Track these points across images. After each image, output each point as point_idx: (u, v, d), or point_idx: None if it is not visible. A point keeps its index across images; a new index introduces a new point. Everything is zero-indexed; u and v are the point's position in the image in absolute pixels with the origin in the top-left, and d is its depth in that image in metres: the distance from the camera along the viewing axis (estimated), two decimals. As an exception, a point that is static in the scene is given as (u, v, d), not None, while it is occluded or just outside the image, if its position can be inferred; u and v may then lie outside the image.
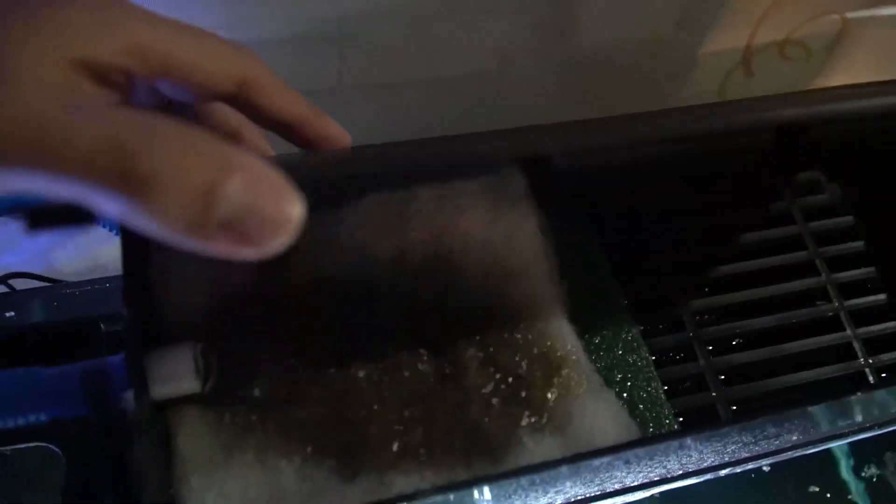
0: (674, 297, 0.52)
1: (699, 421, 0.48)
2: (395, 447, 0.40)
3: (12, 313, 0.57)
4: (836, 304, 0.52)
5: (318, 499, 0.38)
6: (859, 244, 0.54)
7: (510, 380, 0.42)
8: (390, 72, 0.66)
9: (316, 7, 0.59)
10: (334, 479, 0.39)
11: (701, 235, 0.54)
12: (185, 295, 0.43)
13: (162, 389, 0.38)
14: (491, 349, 0.43)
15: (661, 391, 0.47)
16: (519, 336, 0.43)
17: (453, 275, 0.44)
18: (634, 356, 0.48)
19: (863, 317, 0.52)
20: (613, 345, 0.48)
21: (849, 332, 0.52)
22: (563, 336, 0.44)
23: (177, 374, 0.39)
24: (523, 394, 0.42)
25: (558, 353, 0.43)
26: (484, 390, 0.42)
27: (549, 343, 0.43)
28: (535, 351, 0.43)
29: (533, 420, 0.41)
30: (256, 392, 0.41)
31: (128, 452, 0.35)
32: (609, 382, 0.46)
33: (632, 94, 0.75)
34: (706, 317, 0.52)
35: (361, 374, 0.42)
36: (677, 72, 0.75)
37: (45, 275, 0.68)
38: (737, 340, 0.51)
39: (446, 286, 0.44)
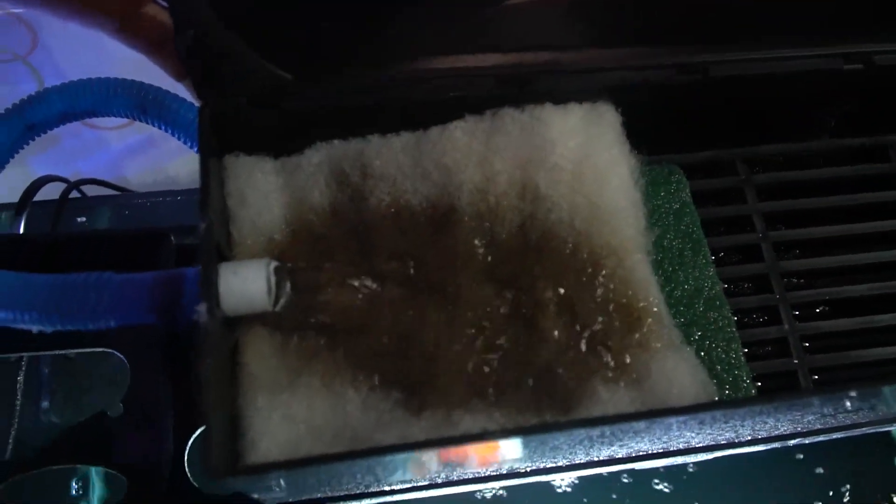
0: (762, 255, 0.49)
1: (778, 387, 0.46)
2: (464, 385, 0.39)
3: (83, 219, 0.58)
4: (937, 277, 0.49)
5: (384, 429, 0.37)
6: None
7: (588, 327, 0.40)
8: None
9: None
10: (400, 412, 0.38)
11: (796, 189, 0.50)
12: (264, 211, 0.42)
13: (233, 304, 0.38)
14: (571, 293, 0.41)
15: (740, 353, 0.45)
16: (601, 282, 0.41)
17: (537, 209, 0.42)
18: (716, 314, 0.46)
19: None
20: (695, 300, 0.46)
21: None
22: (647, 287, 0.41)
23: (249, 291, 0.38)
24: (601, 342, 0.40)
25: (640, 304, 0.41)
26: (560, 335, 0.40)
27: (630, 292, 0.41)
28: (617, 299, 0.41)
29: (609, 371, 0.39)
30: (327, 317, 0.40)
31: (196, 365, 0.35)
32: (688, 339, 0.44)
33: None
34: (795, 280, 0.49)
35: (435, 307, 0.41)
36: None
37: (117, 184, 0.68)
38: (824, 308, 0.48)
39: (529, 221, 0.42)
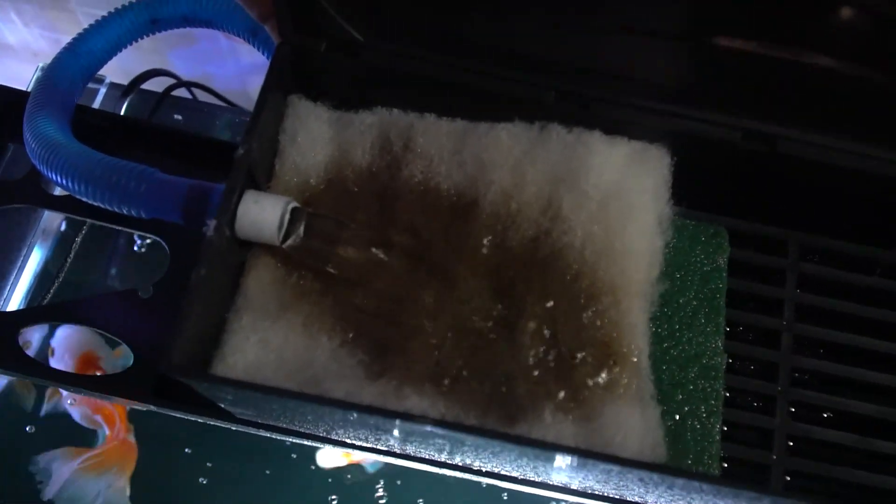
0: (780, 343, 0.47)
1: (746, 476, 0.45)
2: (425, 367, 0.41)
3: (180, 117, 0.63)
4: (961, 426, 0.46)
5: (337, 382, 0.40)
6: None
7: (562, 353, 0.41)
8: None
9: None
10: (359, 372, 0.40)
11: (841, 291, 0.48)
12: (308, 155, 0.45)
13: (246, 229, 0.41)
14: (558, 316, 0.42)
15: (717, 429, 0.44)
16: (591, 315, 0.42)
17: (553, 228, 0.43)
18: (707, 384, 0.45)
19: None
20: (691, 364, 0.45)
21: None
22: (635, 334, 0.42)
23: (262, 221, 0.41)
24: (568, 372, 0.41)
25: (621, 349, 0.41)
26: (533, 352, 0.41)
27: (615, 334, 0.41)
28: (599, 337, 0.41)
29: (564, 401, 0.40)
30: (330, 266, 0.43)
31: (193, 272, 0.38)
32: (666, 398, 0.44)
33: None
34: (804, 378, 0.47)
35: (429, 288, 0.43)
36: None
37: (231, 98, 0.73)
38: (823, 415, 0.46)
39: (543, 236, 0.43)
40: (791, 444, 0.46)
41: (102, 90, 0.64)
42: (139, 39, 0.56)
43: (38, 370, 0.49)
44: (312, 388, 0.39)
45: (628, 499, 0.48)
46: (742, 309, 0.48)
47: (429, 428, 0.35)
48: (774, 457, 0.45)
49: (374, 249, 0.43)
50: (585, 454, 0.36)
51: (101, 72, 0.56)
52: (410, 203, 0.44)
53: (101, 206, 0.44)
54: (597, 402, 0.40)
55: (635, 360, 0.41)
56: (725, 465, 0.45)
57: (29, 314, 0.51)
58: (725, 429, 0.45)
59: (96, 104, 0.62)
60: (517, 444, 0.36)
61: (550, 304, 0.42)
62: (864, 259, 0.49)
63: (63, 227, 0.64)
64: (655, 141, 0.44)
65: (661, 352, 0.45)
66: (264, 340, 0.41)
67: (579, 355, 0.41)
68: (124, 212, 0.43)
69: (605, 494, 0.47)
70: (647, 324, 0.43)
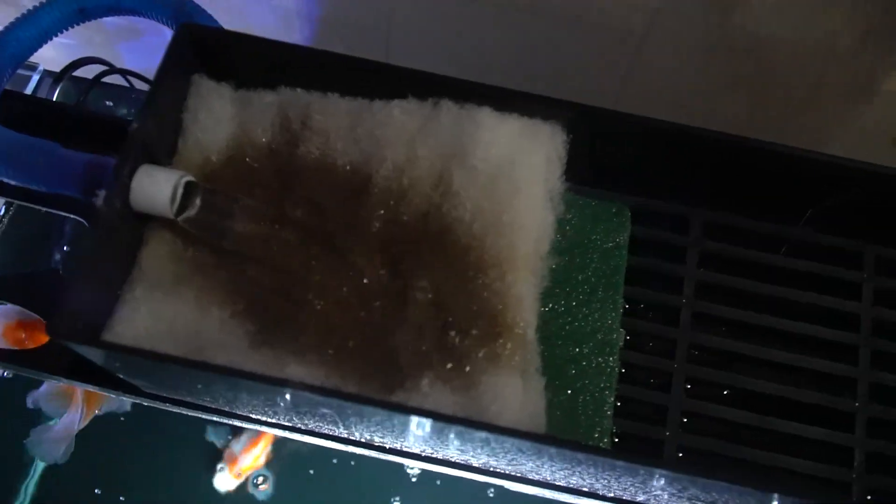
0: (678, 320, 0.48)
1: (638, 451, 0.45)
2: (311, 337, 0.41)
3: (111, 103, 0.64)
4: (857, 404, 0.46)
5: (222, 351, 0.40)
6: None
7: (449, 325, 0.42)
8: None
9: None
10: (245, 342, 0.41)
11: (743, 268, 0.49)
12: (210, 132, 0.46)
13: (140, 202, 0.42)
14: (446, 289, 0.42)
15: (610, 404, 0.45)
16: (478, 288, 0.42)
17: (444, 203, 0.44)
18: (601, 360, 0.46)
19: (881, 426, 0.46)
20: (587, 340, 0.46)
21: (857, 435, 0.46)
22: (521, 307, 0.42)
23: (155, 194, 0.42)
24: (452, 343, 0.41)
25: (507, 321, 0.42)
26: (420, 324, 0.42)
27: (501, 307, 0.42)
28: (486, 309, 0.42)
29: (445, 371, 0.40)
30: (225, 241, 0.43)
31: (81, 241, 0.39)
32: (560, 373, 0.45)
33: (786, 101, 0.68)
34: (702, 355, 0.48)
35: (321, 261, 0.43)
36: (849, 95, 0.66)
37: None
38: (720, 391, 0.47)
39: (434, 211, 0.44)
40: (685, 420, 0.46)
41: (35, 77, 0.65)
42: (69, 28, 0.57)
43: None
44: (197, 356, 0.40)
45: (531, 477, 0.48)
46: (643, 286, 0.48)
47: (303, 393, 0.36)
48: (668, 433, 0.45)
49: (268, 224, 0.44)
50: (438, 417, 0.36)
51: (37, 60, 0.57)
52: (307, 179, 0.45)
53: (9, 180, 0.45)
54: (478, 372, 0.40)
55: (520, 332, 0.42)
56: (618, 441, 0.45)
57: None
58: (619, 404, 0.46)
59: (28, 90, 0.63)
60: (382, 408, 0.37)
61: (438, 277, 0.42)
62: (771, 236, 0.49)
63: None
64: (549, 118, 0.45)
65: (557, 327, 0.46)
66: (156, 311, 0.42)
67: (465, 327, 0.41)
68: (33, 187, 0.44)
69: (512, 473, 0.48)
70: (536, 297, 0.43)
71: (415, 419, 0.36)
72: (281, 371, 0.40)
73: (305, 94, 0.46)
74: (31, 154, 0.43)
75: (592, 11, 0.64)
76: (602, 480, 0.43)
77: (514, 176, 0.44)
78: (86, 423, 0.68)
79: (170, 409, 0.50)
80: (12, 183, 0.46)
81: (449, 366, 0.41)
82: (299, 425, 0.48)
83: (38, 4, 0.55)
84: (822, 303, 0.48)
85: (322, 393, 0.37)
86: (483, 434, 0.37)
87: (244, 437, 0.79)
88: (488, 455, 0.44)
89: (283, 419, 0.47)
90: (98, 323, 0.41)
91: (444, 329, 0.42)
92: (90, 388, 0.50)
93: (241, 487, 0.78)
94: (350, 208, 0.44)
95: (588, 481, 0.44)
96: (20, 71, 0.68)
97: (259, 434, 0.79)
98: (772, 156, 0.46)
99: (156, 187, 0.42)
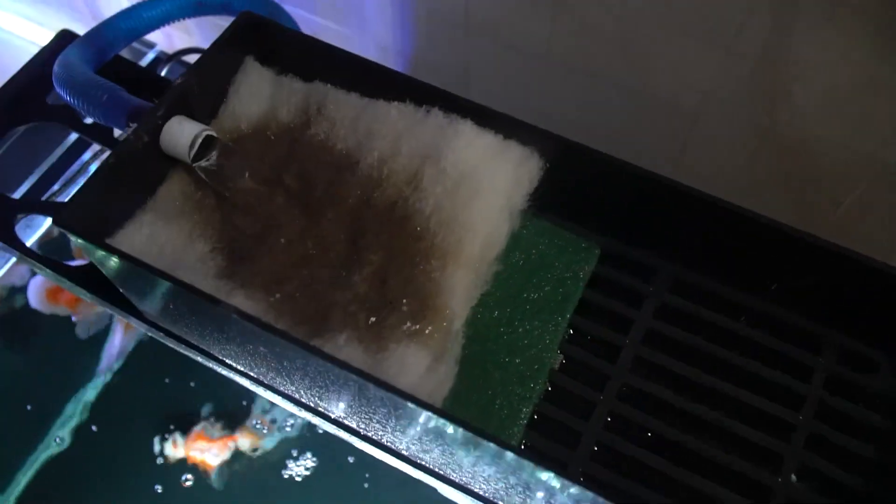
0: (617, 358, 0.49)
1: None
2: (266, 280, 0.47)
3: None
4: (780, 480, 0.45)
5: (192, 275, 0.47)
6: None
7: (385, 297, 0.46)
8: (593, 61, 0.68)
9: None
10: (212, 272, 0.48)
11: (696, 326, 0.50)
12: (246, 106, 0.54)
13: (166, 143, 0.50)
14: (391, 266, 0.47)
15: (525, 414, 0.47)
16: (420, 272, 0.46)
17: (411, 195, 0.49)
18: (529, 374, 0.48)
19: None
20: (519, 353, 0.48)
21: None
22: (452, 300, 0.46)
23: (178, 138, 0.49)
24: (382, 314, 0.46)
25: (436, 307, 0.45)
26: (361, 290, 0.46)
27: (433, 294, 0.46)
28: (422, 293, 0.46)
29: (364, 332, 0.45)
30: (227, 191, 0.51)
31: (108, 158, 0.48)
32: (484, 374, 0.48)
33: (828, 202, 0.67)
34: (632, 394, 0.48)
35: (297, 222, 0.49)
36: (881, 210, 0.65)
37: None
38: (637, 433, 0.47)
39: (401, 201, 0.49)
40: (595, 449, 0.47)
41: (151, 54, 0.77)
42: (186, 17, 0.68)
43: (20, 246, 0.60)
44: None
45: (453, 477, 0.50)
46: (595, 321, 0.50)
47: (236, 319, 0.41)
48: (576, 456, 0.47)
49: (266, 185, 0.51)
50: (336, 362, 0.40)
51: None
52: (308, 155, 0.51)
53: (83, 112, 0.54)
54: (393, 341, 0.44)
55: (446, 320, 0.45)
56: (527, 443, 0.47)
57: (24, 204, 0.63)
58: (536, 418, 0.47)
59: (143, 64, 0.75)
60: (291, 344, 0.41)
61: (388, 256, 0.47)
62: (734, 303, 0.50)
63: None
64: (525, 143, 0.49)
65: (495, 334, 0.49)
66: (153, 235, 0.49)
67: (396, 302, 0.46)
68: (94, 117, 0.54)
69: (433, 468, 0.50)
70: (471, 294, 0.47)
71: (319, 362, 0.40)
72: (229, 298, 0.45)
73: (326, 86, 0.53)
74: (98, 90, 0.53)
75: (648, 85, 0.68)
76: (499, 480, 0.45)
77: (477, 184, 0.48)
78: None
79: (161, 340, 0.57)
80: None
81: (368, 329, 0.45)
82: (252, 373, 0.54)
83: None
84: (768, 376, 0.48)
85: (245, 318, 0.42)
86: (376, 391, 0.40)
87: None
88: (393, 430, 0.47)
89: (239, 362, 0.53)
90: (107, 232, 0.49)
91: (378, 299, 0.46)
92: (108, 305, 0.58)
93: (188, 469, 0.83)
94: (334, 184, 0.50)
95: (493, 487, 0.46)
96: (138, 46, 0.81)
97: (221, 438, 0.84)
98: (750, 223, 0.47)
99: (180, 133, 0.50)
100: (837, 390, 0.48)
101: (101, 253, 0.46)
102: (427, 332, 0.45)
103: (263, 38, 0.54)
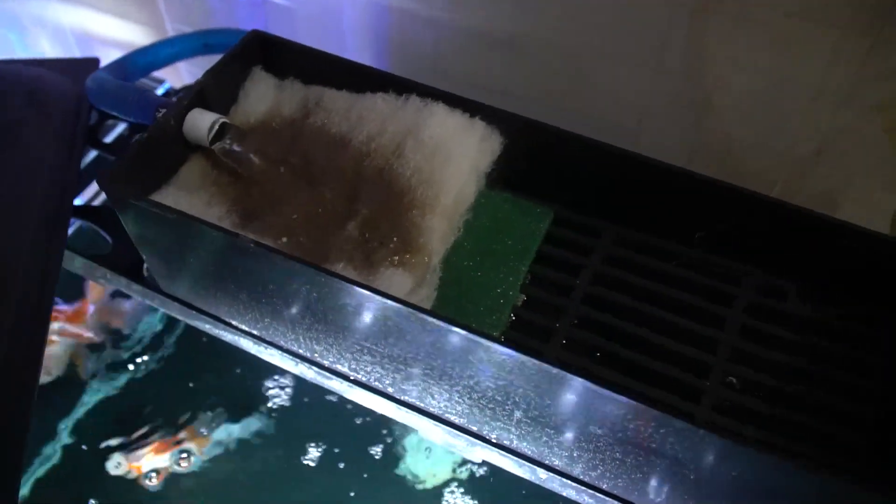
0: (569, 295, 0.58)
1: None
2: (274, 230, 0.56)
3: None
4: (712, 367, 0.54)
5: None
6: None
7: (375, 237, 0.55)
8: (546, 92, 0.80)
9: (498, 20, 0.76)
10: (228, 226, 0.57)
11: (638, 271, 0.59)
12: (255, 105, 0.64)
13: (188, 129, 0.60)
14: (381, 216, 0.56)
15: (495, 335, 0.55)
16: (405, 218, 0.56)
17: (396, 162, 0.59)
18: (495, 307, 0.57)
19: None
20: (488, 291, 0.57)
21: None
22: (431, 238, 0.55)
23: (198, 125, 0.60)
24: (373, 249, 0.55)
25: (417, 244, 0.55)
26: (355, 234, 0.56)
27: (415, 235, 0.55)
28: (406, 234, 0.55)
29: (357, 261, 0.54)
30: (240, 167, 0.60)
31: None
32: (456, 307, 0.56)
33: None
34: (584, 322, 0.57)
35: (303, 190, 0.59)
36: (803, 199, 0.75)
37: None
38: (597, 353, 0.56)
39: (388, 167, 0.59)
40: (576, 321, 0.55)
41: (160, 90, 0.89)
42: (194, 56, 0.80)
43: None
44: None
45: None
46: (553, 269, 0.60)
47: (251, 246, 0.50)
48: (557, 324, 0.55)
49: (274, 163, 0.61)
50: (334, 274, 0.49)
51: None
52: (309, 138, 0.62)
53: (111, 111, 0.65)
54: (382, 267, 0.53)
55: (426, 255, 0.55)
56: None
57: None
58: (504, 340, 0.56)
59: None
60: (297, 263, 0.50)
61: (378, 208, 0.57)
62: (665, 251, 0.60)
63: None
64: (489, 121, 0.60)
65: (467, 275, 0.58)
66: (177, 202, 0.58)
67: (385, 241, 0.55)
68: (127, 117, 0.64)
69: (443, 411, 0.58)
70: (446, 237, 0.56)
71: (321, 280, 0.49)
72: (249, 235, 0.54)
73: (323, 88, 0.64)
74: (128, 93, 0.63)
75: (595, 109, 0.79)
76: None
77: (449, 151, 0.58)
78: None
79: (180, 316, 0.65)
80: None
81: (363, 261, 0.54)
82: (256, 329, 0.62)
83: (176, 35, 0.79)
84: (697, 304, 0.57)
85: (259, 245, 0.51)
86: (368, 297, 0.49)
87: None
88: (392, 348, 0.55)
89: (246, 317, 0.61)
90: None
91: (369, 240, 0.55)
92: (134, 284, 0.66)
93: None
94: (331, 159, 0.60)
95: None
96: (149, 81, 0.92)
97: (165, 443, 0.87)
98: (677, 177, 0.58)
99: (200, 120, 0.60)
100: (754, 314, 0.57)
101: (136, 208, 0.55)
102: (410, 262, 0.54)
103: (268, 51, 0.66)
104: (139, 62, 0.76)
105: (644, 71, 0.72)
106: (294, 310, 0.56)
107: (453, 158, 0.58)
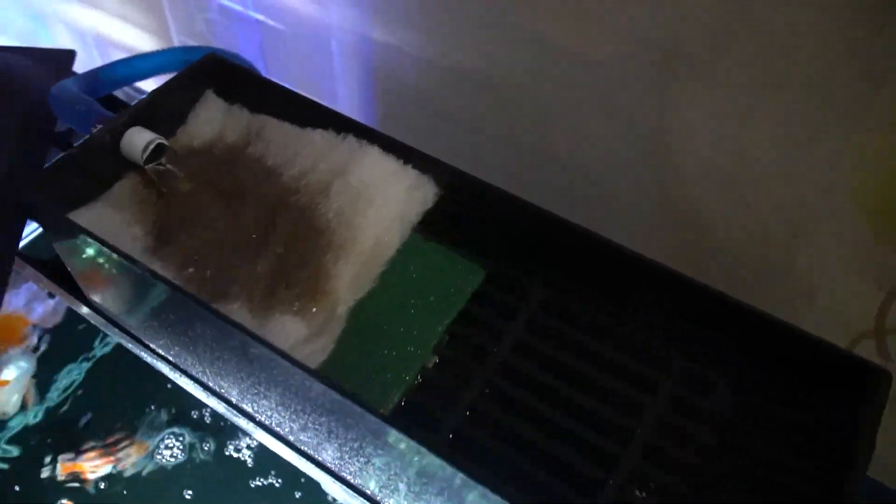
0: (484, 362, 0.55)
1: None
2: (184, 255, 0.55)
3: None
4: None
5: (133, 249, 0.55)
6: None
7: (281, 277, 0.53)
8: (515, 134, 0.77)
9: (473, 59, 0.74)
10: (140, 249, 0.55)
11: (562, 342, 0.56)
12: (200, 129, 0.64)
13: (125, 147, 0.59)
14: (293, 254, 0.55)
15: (394, 401, 0.52)
16: (316, 261, 0.54)
17: (321, 201, 0.57)
18: (401, 366, 0.54)
19: None
20: (397, 347, 0.54)
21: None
22: (339, 285, 0.53)
23: (134, 144, 0.59)
24: (276, 289, 0.53)
25: (325, 290, 0.53)
26: (261, 269, 0.54)
27: (324, 280, 0.53)
28: (313, 277, 0.53)
29: (254, 303, 0.52)
30: (168, 188, 0.59)
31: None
32: (364, 357, 0.53)
33: (728, 280, 0.73)
34: (493, 393, 0.54)
35: (221, 215, 0.57)
36: (776, 280, 0.71)
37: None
38: (497, 428, 0.52)
39: (312, 205, 0.57)
40: (451, 436, 0.52)
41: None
42: (173, 72, 0.80)
43: None
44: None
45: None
46: (475, 329, 0.56)
47: (146, 274, 0.49)
48: (435, 439, 0.52)
49: (202, 187, 0.59)
50: (221, 316, 0.47)
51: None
52: (243, 166, 0.60)
53: (63, 120, 0.65)
54: (278, 312, 0.51)
55: (329, 305, 0.52)
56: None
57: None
58: (403, 404, 0.53)
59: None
60: (189, 299, 0.48)
61: (293, 246, 0.55)
62: (595, 325, 0.56)
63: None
64: (423, 170, 0.57)
65: (377, 327, 0.55)
66: (101, 217, 0.58)
67: (291, 283, 0.53)
68: (73, 125, 0.63)
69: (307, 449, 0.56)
70: (357, 284, 0.54)
71: (208, 317, 0.47)
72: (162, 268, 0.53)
73: (266, 117, 0.63)
74: (78, 103, 0.63)
75: (562, 152, 0.76)
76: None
77: (375, 197, 0.56)
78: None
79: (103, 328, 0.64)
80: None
81: (261, 302, 0.52)
82: (170, 354, 0.60)
83: (160, 49, 0.79)
84: (615, 386, 0.53)
85: (150, 273, 0.49)
86: (248, 342, 0.47)
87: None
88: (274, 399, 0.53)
89: (158, 341, 0.59)
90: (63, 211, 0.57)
91: (275, 280, 0.53)
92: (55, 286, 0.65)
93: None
94: (260, 193, 0.58)
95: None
96: (130, 91, 0.92)
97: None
98: (613, 252, 0.54)
99: (137, 139, 0.59)
100: (677, 406, 0.53)
101: (47, 218, 0.54)
102: (312, 310, 0.52)
103: (222, 75, 0.65)
104: (117, 72, 0.76)
105: (613, 124, 0.69)
106: (196, 341, 0.54)
107: (377, 204, 0.56)
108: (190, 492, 0.81)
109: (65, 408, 0.88)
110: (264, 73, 0.93)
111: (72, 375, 0.90)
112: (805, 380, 0.52)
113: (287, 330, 0.50)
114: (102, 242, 0.51)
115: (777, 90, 0.58)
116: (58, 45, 1.20)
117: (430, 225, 0.58)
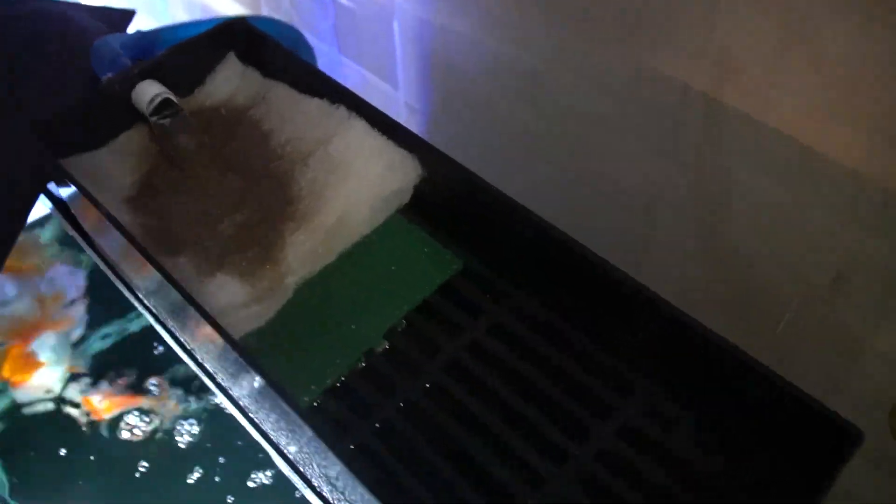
0: (434, 357, 0.52)
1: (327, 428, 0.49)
2: (157, 209, 0.55)
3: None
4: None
5: (110, 196, 0.56)
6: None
7: (241, 240, 0.53)
8: (555, 168, 0.73)
9: (526, 48, 0.70)
10: (121, 197, 0.56)
11: (521, 345, 0.51)
12: (219, 88, 0.64)
13: (135, 97, 0.61)
14: (256, 220, 0.54)
15: (328, 379, 0.50)
16: (277, 228, 0.53)
17: (303, 166, 0.56)
18: (349, 346, 0.51)
19: None
20: (348, 325, 0.52)
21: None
22: (294, 255, 0.52)
23: (143, 95, 0.60)
24: (230, 250, 0.52)
25: (276, 258, 0.51)
26: (227, 231, 0.54)
27: (278, 249, 0.52)
28: (268, 244, 0.52)
29: (202, 258, 0.51)
30: (165, 144, 0.60)
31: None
32: (309, 332, 0.52)
33: (767, 318, 0.65)
34: (436, 388, 0.50)
35: (209, 172, 0.58)
36: (819, 336, 0.62)
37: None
38: (431, 423, 0.49)
39: (292, 171, 0.56)
40: (378, 426, 0.49)
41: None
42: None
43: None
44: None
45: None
46: (435, 322, 0.53)
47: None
48: (364, 427, 0.49)
49: (199, 144, 0.60)
50: (153, 262, 0.47)
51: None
52: (243, 132, 0.60)
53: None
54: (222, 272, 0.50)
55: (280, 272, 0.51)
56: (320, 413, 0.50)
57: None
58: (339, 386, 0.50)
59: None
60: (137, 248, 0.48)
61: (258, 212, 0.54)
62: (563, 336, 0.52)
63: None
64: (410, 149, 0.55)
65: (328, 303, 0.53)
66: (101, 162, 0.59)
67: (247, 246, 0.52)
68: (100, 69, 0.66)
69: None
70: (314, 258, 0.52)
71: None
72: (117, 215, 0.54)
73: (274, 82, 0.62)
74: (116, 60, 0.65)
75: (607, 179, 0.71)
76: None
77: (351, 171, 0.54)
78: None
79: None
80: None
81: (211, 260, 0.51)
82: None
83: (209, 17, 0.80)
84: (564, 404, 0.48)
85: (109, 218, 0.50)
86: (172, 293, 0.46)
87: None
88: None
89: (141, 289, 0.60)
90: (69, 152, 0.59)
91: (234, 242, 0.53)
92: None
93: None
94: (247, 153, 0.58)
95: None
96: None
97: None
98: (594, 267, 0.50)
99: (145, 90, 0.60)
100: (627, 437, 0.47)
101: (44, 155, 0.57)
102: (257, 275, 0.50)
103: (246, 40, 0.65)
104: (161, 37, 0.79)
105: (658, 155, 0.63)
106: (157, 293, 0.55)
107: (350, 179, 0.54)
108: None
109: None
110: (338, 52, 0.94)
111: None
112: (776, 428, 0.45)
113: (226, 290, 0.49)
114: (79, 186, 0.52)
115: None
116: (171, 14, 1.27)
117: (418, 209, 0.56)
